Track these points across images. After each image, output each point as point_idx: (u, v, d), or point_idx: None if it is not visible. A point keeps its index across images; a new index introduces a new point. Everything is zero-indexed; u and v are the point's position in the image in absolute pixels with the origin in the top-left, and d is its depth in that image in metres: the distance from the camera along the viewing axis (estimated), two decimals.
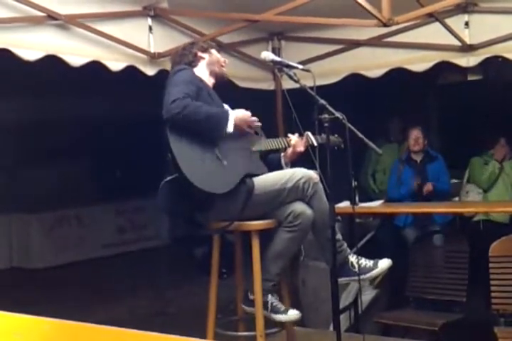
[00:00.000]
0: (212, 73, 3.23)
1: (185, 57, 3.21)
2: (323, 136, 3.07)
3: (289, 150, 3.21)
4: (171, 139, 2.86)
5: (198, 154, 2.87)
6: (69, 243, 9.20)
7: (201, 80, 3.11)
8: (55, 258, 8.92)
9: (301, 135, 3.21)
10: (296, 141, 3.18)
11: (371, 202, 4.71)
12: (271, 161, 3.25)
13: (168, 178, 2.92)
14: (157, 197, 2.96)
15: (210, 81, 3.22)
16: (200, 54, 3.22)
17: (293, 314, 3.05)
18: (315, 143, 3.16)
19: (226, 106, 3.20)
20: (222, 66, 3.26)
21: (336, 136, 3.20)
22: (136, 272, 7.93)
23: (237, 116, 2.94)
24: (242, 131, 3.00)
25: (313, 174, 2.98)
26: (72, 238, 9.28)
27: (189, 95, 2.84)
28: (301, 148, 3.18)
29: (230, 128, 2.89)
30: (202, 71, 3.19)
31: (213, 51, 3.27)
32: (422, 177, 5.54)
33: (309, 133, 3.17)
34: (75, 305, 6.17)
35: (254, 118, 3.05)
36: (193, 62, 3.20)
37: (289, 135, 3.22)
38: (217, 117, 2.91)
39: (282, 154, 3.26)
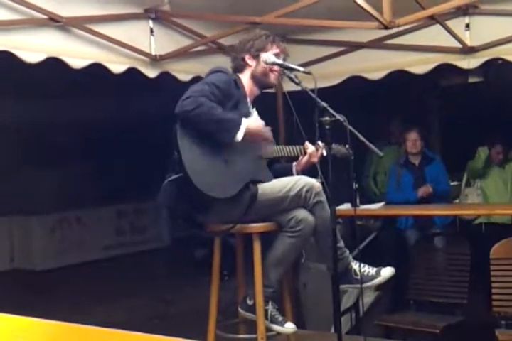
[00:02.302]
0: (256, 82, 3.16)
1: (237, 60, 3.16)
2: (334, 146, 3.06)
3: (304, 159, 3.17)
4: (180, 138, 2.84)
5: (206, 156, 2.85)
6: (70, 245, 9.21)
7: (238, 87, 3.04)
8: (55, 260, 8.92)
9: (306, 139, 3.18)
10: (313, 151, 3.15)
11: (372, 205, 4.70)
12: (282, 170, 3.22)
13: (173, 177, 2.91)
14: (159, 195, 2.95)
15: (253, 91, 3.16)
16: (247, 60, 3.14)
17: (289, 327, 3.06)
18: (324, 154, 3.11)
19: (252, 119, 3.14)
20: (274, 71, 3.11)
21: (347, 146, 3.18)
22: (137, 274, 7.93)
23: (249, 126, 2.85)
24: (251, 142, 2.92)
25: (315, 183, 2.98)
26: (73, 240, 9.29)
27: (207, 97, 2.79)
28: (315, 159, 3.15)
29: (239, 136, 2.82)
30: (246, 79, 3.14)
31: (263, 56, 3.09)
32: (420, 180, 5.54)
33: (321, 144, 3.14)
34: (75, 306, 6.17)
35: (268, 133, 2.99)
36: (240, 67, 3.15)
37: (307, 143, 3.17)
38: (228, 123, 2.83)
39: (294, 163, 3.23)
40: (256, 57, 3.13)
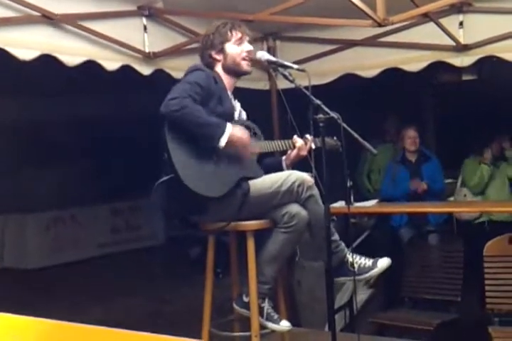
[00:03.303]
0: (231, 73, 3.14)
1: (205, 57, 3.14)
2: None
3: (293, 153, 3.16)
4: (169, 139, 2.83)
5: (195, 156, 2.84)
6: (64, 243, 9.18)
7: (217, 82, 3.03)
8: (49, 258, 8.90)
9: (299, 137, 3.18)
10: (301, 144, 3.13)
11: (366, 202, 4.71)
12: (273, 164, 3.20)
13: (164, 178, 2.90)
14: (152, 197, 2.94)
15: (230, 82, 3.15)
16: (214, 56, 3.12)
17: (284, 325, 3.05)
18: (313, 146, 3.13)
19: (237, 112, 3.15)
20: (245, 59, 3.10)
21: (335, 138, 3.18)
22: (132, 272, 7.92)
23: (233, 133, 2.84)
24: (233, 150, 2.88)
25: (307, 177, 2.97)
26: (68, 238, 9.27)
27: (192, 97, 2.78)
28: (304, 152, 3.14)
29: (223, 142, 2.80)
30: (220, 72, 3.13)
31: (228, 47, 3.10)
32: (417, 177, 5.55)
33: (310, 137, 3.15)
34: (70, 305, 6.16)
35: (249, 145, 2.94)
36: (211, 63, 3.13)
37: (295, 137, 3.16)
38: (212, 127, 2.81)
39: (284, 157, 3.23)
40: (221, 50, 3.12)
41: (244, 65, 3.13)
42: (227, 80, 3.14)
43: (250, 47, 3.15)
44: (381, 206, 4.85)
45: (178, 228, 3.23)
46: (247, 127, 3.13)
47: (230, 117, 3.04)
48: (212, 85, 2.97)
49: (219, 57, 3.13)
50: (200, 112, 2.78)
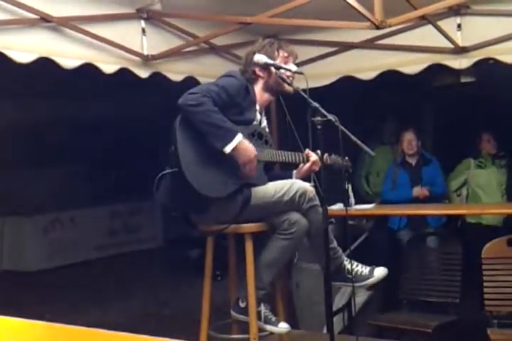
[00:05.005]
0: (270, 91, 3.16)
1: (248, 73, 3.13)
2: (333, 156, 3.15)
3: (305, 167, 3.15)
4: (179, 132, 2.83)
5: (202, 153, 2.83)
6: (63, 245, 9.17)
7: (249, 93, 3.03)
8: (48, 260, 8.88)
9: (302, 146, 3.18)
10: (316, 159, 3.12)
11: (363, 205, 4.70)
12: (280, 179, 3.16)
13: (168, 171, 2.89)
14: (154, 187, 2.91)
15: (263, 98, 3.15)
16: (258, 72, 3.13)
17: (283, 327, 3.07)
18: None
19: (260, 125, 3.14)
20: (287, 82, 3.09)
21: (347, 159, 3.18)
22: (131, 274, 7.92)
23: (242, 144, 2.81)
24: (237, 160, 2.85)
25: (309, 187, 2.98)
26: (66, 240, 9.26)
27: (213, 99, 2.79)
28: (317, 167, 3.12)
29: (228, 149, 2.78)
30: (258, 88, 3.14)
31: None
32: (417, 180, 5.54)
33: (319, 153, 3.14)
34: (68, 307, 6.15)
35: (253, 165, 2.89)
36: (252, 79, 3.13)
37: (309, 151, 3.15)
38: (223, 131, 2.78)
39: (295, 171, 3.21)
40: (266, 68, 3.12)
41: (286, 86, 3.13)
42: (261, 96, 3.14)
43: (295, 68, 3.16)
44: (379, 208, 4.85)
45: (178, 228, 3.23)
46: (260, 134, 3.12)
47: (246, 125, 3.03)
48: (240, 95, 2.97)
49: (263, 74, 3.13)
50: (215, 113, 2.78)
